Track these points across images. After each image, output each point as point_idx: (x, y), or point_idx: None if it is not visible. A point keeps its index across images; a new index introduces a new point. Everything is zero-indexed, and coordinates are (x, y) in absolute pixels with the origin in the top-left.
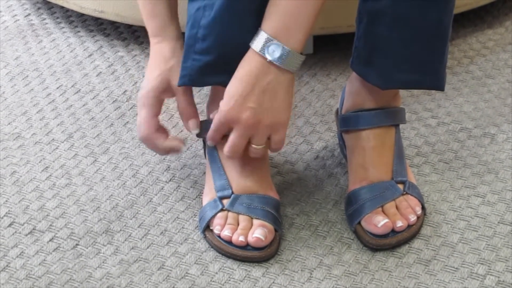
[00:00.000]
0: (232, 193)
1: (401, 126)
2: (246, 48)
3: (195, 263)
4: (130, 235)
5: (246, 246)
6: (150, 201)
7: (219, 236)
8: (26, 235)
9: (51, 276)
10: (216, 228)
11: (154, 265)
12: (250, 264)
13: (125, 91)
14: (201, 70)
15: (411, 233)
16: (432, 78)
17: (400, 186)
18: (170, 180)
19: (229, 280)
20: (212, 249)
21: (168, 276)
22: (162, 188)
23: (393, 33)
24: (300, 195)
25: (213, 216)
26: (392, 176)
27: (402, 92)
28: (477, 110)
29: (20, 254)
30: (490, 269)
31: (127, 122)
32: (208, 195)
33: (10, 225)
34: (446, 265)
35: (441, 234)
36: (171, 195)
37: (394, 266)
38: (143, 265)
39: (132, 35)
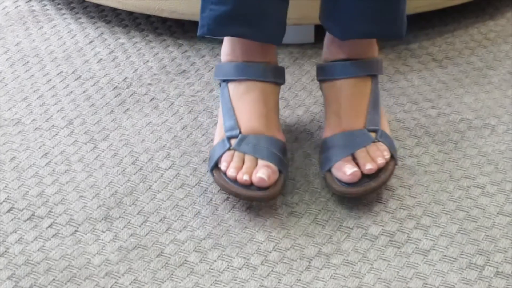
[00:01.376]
0: (240, 133)
1: (401, 115)
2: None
3: (194, 250)
4: (129, 222)
5: (251, 186)
6: (149, 188)
7: (225, 175)
8: (25, 220)
9: (49, 262)
10: (223, 165)
11: (153, 252)
12: (249, 252)
13: (126, 78)
14: (219, 20)
15: (379, 183)
16: (389, 27)
17: (373, 135)
18: (169, 168)
19: (228, 268)
20: (210, 237)
21: (167, 263)
22: (161, 175)
23: None
24: (299, 184)
25: (221, 156)
26: (365, 125)
27: (403, 82)
28: (477, 101)
29: (19, 240)
30: (488, 260)
31: (127, 109)
32: (218, 134)
33: (9, 210)
34: (445, 255)
35: (440, 225)
36: (170, 182)
37: (393, 256)
38: (142, 252)
39: (133, 22)
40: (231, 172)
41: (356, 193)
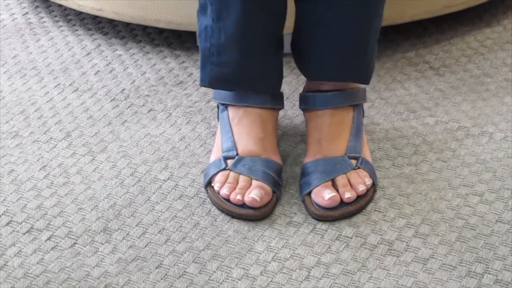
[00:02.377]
0: (237, 154)
1: (399, 124)
2: (259, 66)
3: (193, 261)
4: (128, 234)
5: (243, 205)
6: (148, 199)
7: (218, 193)
8: (24, 233)
9: (48, 275)
10: (216, 185)
11: (152, 264)
12: (248, 263)
13: (123, 89)
14: (219, 80)
15: (356, 207)
16: (354, 74)
17: (354, 162)
18: (168, 179)
19: (227, 279)
20: (209, 248)
21: (166, 274)
22: (160, 187)
23: (319, 41)
24: (297, 193)
25: (215, 174)
26: (346, 152)
27: (400, 90)
28: (475, 109)
29: (18, 253)
30: (488, 268)
31: (125, 121)
32: (215, 154)
33: (8, 223)
34: (444, 264)
35: (439, 233)
36: (169, 193)
37: (392, 265)
38: (141, 264)
39: (130, 34)
40: (224, 191)
41: (332, 216)
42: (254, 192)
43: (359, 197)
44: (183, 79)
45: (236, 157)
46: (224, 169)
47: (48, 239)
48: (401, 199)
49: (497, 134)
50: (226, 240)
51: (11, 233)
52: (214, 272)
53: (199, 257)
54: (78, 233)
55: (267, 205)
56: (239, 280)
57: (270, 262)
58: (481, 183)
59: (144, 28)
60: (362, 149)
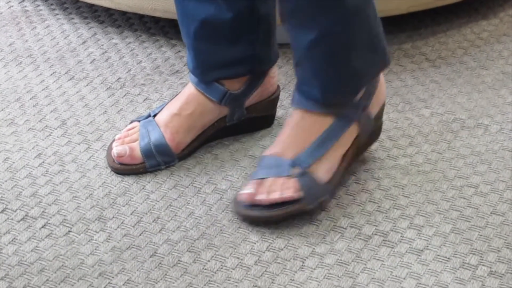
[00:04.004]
0: (153, 116)
1: (394, 115)
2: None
3: (187, 250)
4: (122, 222)
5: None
6: (143, 188)
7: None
8: (19, 221)
9: (43, 262)
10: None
11: (147, 253)
12: (243, 252)
13: (119, 78)
14: (194, 68)
15: (271, 214)
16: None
17: (295, 170)
18: (163, 168)
19: (221, 268)
20: (204, 237)
21: (160, 263)
22: (155, 176)
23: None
24: None
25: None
26: (293, 158)
27: (396, 82)
28: (470, 101)
29: (12, 241)
30: (482, 260)
31: (120, 109)
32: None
33: (2, 211)
34: (438, 255)
35: (434, 224)
36: (164, 182)
37: (386, 256)
38: (136, 252)
39: (126, 22)
40: (117, 136)
41: (244, 215)
42: (119, 148)
43: (283, 204)
44: (179, 68)
45: (149, 118)
46: (138, 120)
47: (42, 227)
48: (396, 190)
49: (493, 126)
50: (221, 230)
51: (5, 220)
52: (209, 261)
53: (193, 246)
54: (73, 221)
55: (127, 167)
56: (233, 269)
57: (264, 252)
58: (476, 175)
59: (141, 17)
60: (316, 163)
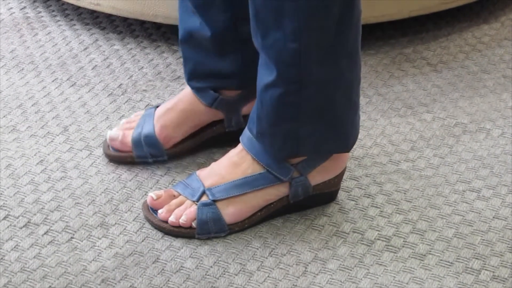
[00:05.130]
0: (155, 107)
1: (396, 120)
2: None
3: (190, 256)
4: (125, 229)
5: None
6: (145, 194)
7: None
8: (21, 228)
9: (45, 269)
10: None
11: (149, 259)
12: (245, 258)
13: (121, 84)
14: (184, 72)
15: (167, 229)
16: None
17: (204, 198)
18: (165, 174)
19: (224, 274)
20: (207, 243)
21: (163, 269)
22: (157, 182)
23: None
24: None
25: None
26: (209, 186)
27: (398, 86)
28: (472, 105)
29: (15, 247)
30: (485, 264)
31: (122, 116)
32: None
33: (5, 218)
34: (441, 260)
35: (436, 229)
36: (166, 188)
37: (389, 260)
38: (138, 259)
39: (128, 29)
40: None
41: (144, 215)
42: (113, 132)
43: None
44: (181, 74)
45: (152, 109)
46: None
47: (45, 234)
48: (398, 195)
49: (495, 130)
50: (223, 236)
51: (8, 227)
52: (211, 267)
53: (196, 252)
54: (75, 227)
55: (117, 154)
56: (236, 275)
57: (267, 258)
58: (478, 179)
59: (142, 23)
60: (226, 200)
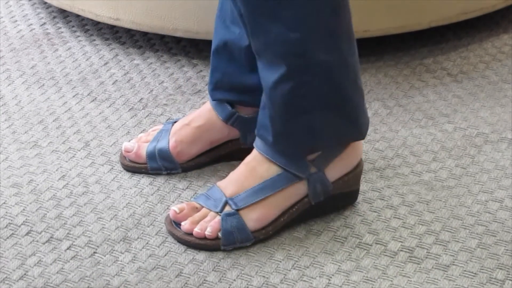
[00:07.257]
0: (173, 122)
1: (417, 131)
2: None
3: (213, 270)
4: (147, 243)
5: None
6: (167, 208)
7: None
8: (44, 243)
9: (69, 284)
10: None
11: (172, 273)
12: (268, 271)
13: (141, 99)
14: (208, 83)
15: (185, 239)
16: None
17: (227, 208)
18: (187, 188)
19: (248, 287)
20: (229, 256)
21: (186, 283)
22: (179, 196)
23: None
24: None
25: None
26: (230, 196)
27: (419, 97)
28: (493, 115)
29: (38, 263)
30: (509, 274)
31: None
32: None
33: (27, 233)
34: (465, 270)
35: (459, 239)
36: (188, 201)
37: (412, 272)
38: (161, 273)
39: (148, 43)
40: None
41: (168, 229)
42: (129, 143)
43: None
44: (201, 88)
45: (170, 123)
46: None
47: (68, 249)
48: (421, 206)
49: None
50: (246, 249)
51: (31, 242)
52: (234, 280)
53: (219, 266)
54: (98, 242)
55: (132, 164)
56: None
57: (290, 270)
58: (501, 189)
59: (162, 37)
60: (248, 208)
